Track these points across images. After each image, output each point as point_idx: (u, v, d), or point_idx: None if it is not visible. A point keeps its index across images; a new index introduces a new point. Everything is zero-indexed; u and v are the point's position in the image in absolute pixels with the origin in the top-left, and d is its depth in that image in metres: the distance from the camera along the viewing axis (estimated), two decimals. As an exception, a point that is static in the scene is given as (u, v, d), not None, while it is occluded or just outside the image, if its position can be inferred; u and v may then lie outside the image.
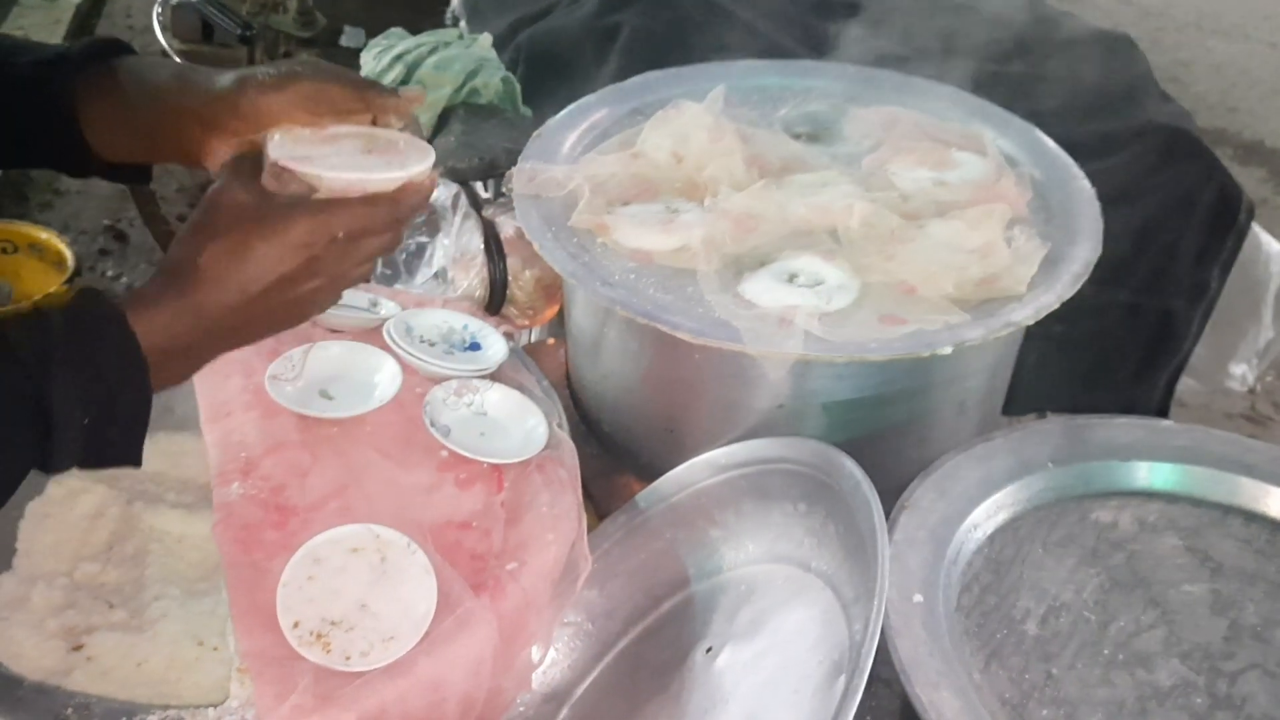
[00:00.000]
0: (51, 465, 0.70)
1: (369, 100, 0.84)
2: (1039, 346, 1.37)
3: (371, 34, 1.87)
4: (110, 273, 2.86)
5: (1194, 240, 1.56)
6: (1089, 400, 1.57)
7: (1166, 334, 1.60)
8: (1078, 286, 1.04)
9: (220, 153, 0.82)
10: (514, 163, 1.22)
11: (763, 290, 1.04)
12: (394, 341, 1.09)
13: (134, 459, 0.73)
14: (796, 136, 1.30)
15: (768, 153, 1.23)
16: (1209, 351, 1.73)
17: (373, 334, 1.11)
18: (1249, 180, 3.42)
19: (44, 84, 0.84)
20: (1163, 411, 1.64)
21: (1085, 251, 1.09)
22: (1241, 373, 1.81)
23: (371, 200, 0.76)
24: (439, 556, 0.91)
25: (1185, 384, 1.69)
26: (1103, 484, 0.98)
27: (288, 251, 0.74)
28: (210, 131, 0.82)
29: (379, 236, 0.78)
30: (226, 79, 0.82)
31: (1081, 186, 1.19)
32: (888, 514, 0.90)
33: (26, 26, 3.89)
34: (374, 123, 0.84)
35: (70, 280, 1.97)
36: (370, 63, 1.76)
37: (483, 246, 1.33)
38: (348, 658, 0.84)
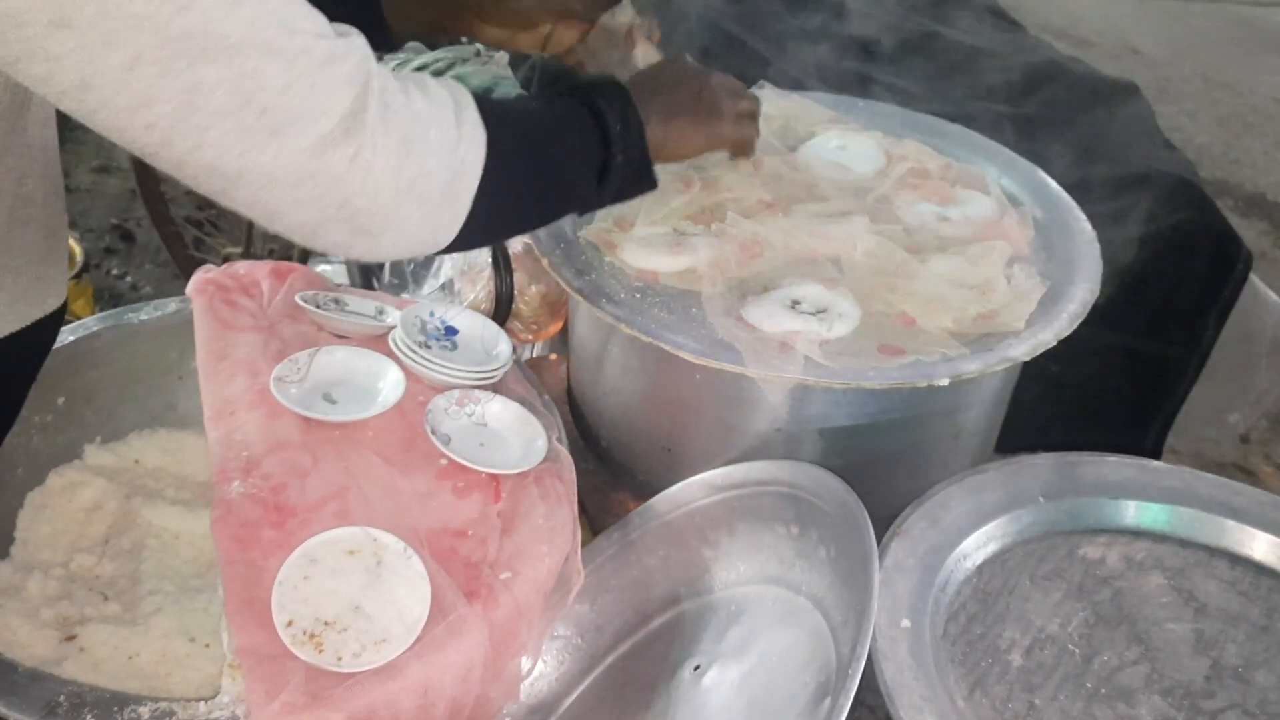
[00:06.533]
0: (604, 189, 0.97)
1: None
2: (1034, 386, 1.38)
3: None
4: (115, 271, 2.86)
5: (1192, 287, 1.57)
6: (1081, 442, 1.57)
7: (1161, 380, 1.61)
8: (1075, 326, 1.06)
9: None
10: (525, 179, 1.23)
11: (765, 315, 1.05)
12: (399, 349, 1.10)
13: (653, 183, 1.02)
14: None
15: (776, 181, 1.25)
16: (1203, 399, 1.74)
17: (378, 341, 1.12)
18: (1250, 232, 3.44)
19: None
20: (1155, 457, 1.65)
21: (1084, 292, 1.10)
22: (1235, 421, 1.83)
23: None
24: (434, 562, 0.92)
25: (1178, 431, 1.70)
26: (1092, 520, 1.00)
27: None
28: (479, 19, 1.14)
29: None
30: None
31: (1083, 228, 1.21)
32: (879, 540, 0.92)
33: None
34: None
35: (78, 276, 1.99)
36: (387, 75, 1.77)
37: (490, 260, 1.35)
38: (339, 658, 0.85)
